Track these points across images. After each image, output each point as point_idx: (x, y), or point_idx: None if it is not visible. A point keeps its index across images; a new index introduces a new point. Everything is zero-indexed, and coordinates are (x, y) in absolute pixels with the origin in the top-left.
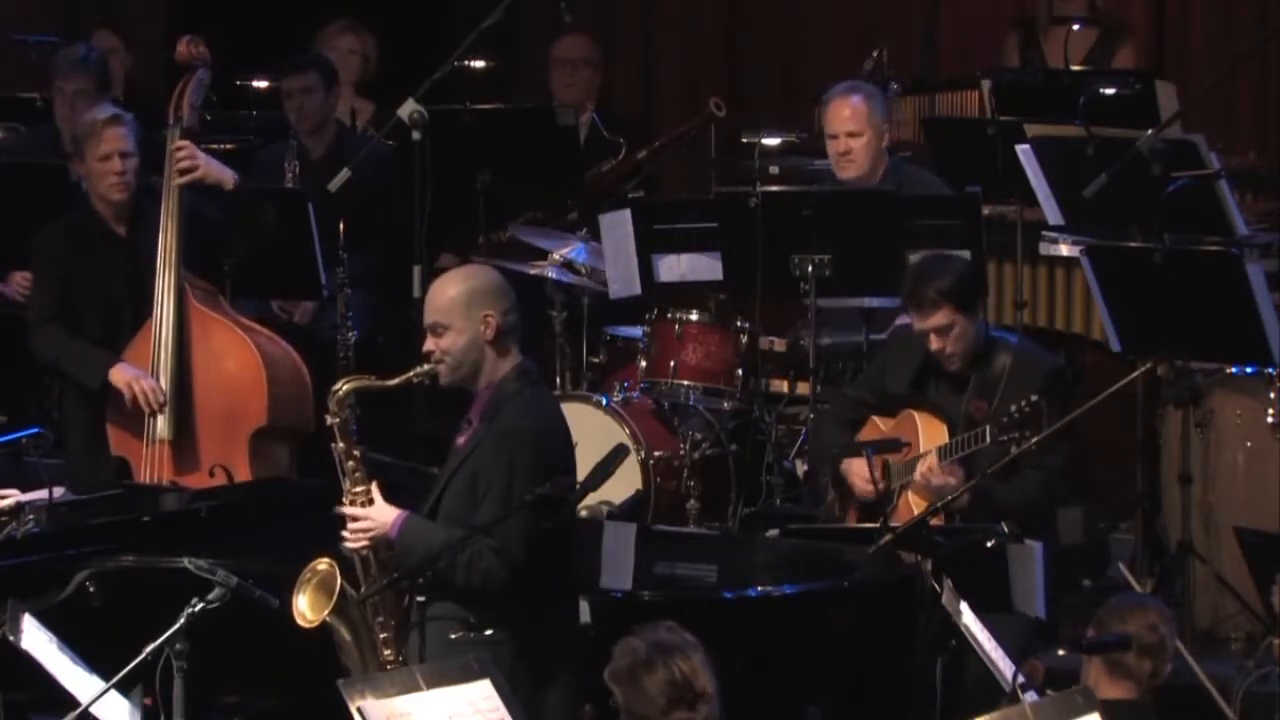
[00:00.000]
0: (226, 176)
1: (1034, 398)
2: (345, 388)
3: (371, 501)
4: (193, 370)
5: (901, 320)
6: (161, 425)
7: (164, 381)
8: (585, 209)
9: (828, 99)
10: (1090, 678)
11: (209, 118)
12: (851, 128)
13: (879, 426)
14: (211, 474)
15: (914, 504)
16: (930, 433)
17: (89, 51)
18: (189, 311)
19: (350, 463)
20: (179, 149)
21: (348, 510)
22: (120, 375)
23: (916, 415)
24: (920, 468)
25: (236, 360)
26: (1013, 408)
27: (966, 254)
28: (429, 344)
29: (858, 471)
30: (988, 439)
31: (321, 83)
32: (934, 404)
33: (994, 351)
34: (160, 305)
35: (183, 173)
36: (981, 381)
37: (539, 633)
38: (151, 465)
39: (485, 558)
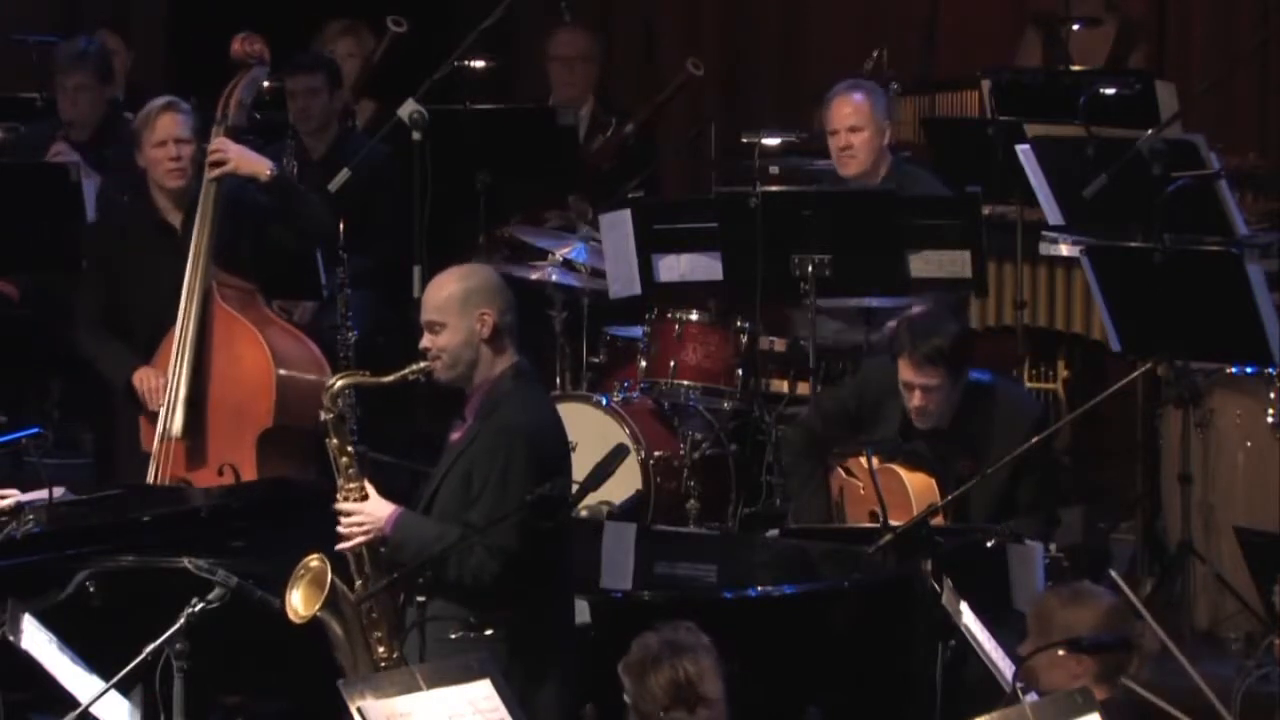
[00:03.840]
0: (262, 168)
1: None
2: (339, 384)
3: (366, 497)
4: (210, 370)
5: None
6: (174, 423)
7: (183, 380)
8: (585, 189)
9: (830, 96)
10: (1071, 677)
11: (259, 116)
12: (853, 123)
13: (856, 486)
14: (220, 473)
15: None
16: (920, 490)
17: (88, 44)
18: (214, 311)
19: (344, 459)
20: (214, 144)
21: (342, 506)
22: (136, 375)
23: (903, 474)
24: None
25: (249, 361)
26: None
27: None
28: (425, 341)
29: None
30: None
31: (327, 83)
32: (921, 456)
33: (975, 402)
34: (185, 304)
35: (215, 165)
36: (967, 436)
37: (535, 632)
38: (164, 462)
39: (476, 553)
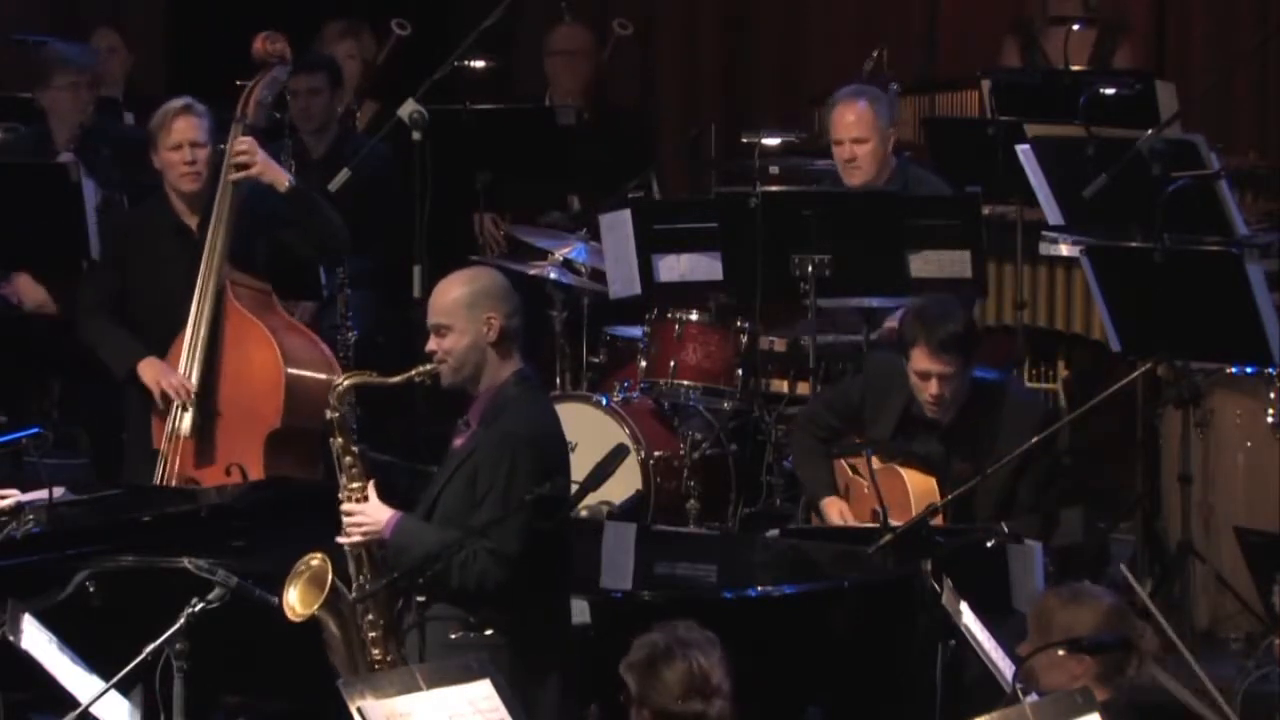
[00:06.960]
0: (282, 178)
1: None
2: (345, 383)
3: (367, 498)
4: (221, 369)
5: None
6: (183, 421)
7: (193, 378)
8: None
9: (833, 103)
10: (1071, 678)
11: (279, 115)
12: (857, 134)
13: (860, 484)
14: (228, 472)
15: None
16: (920, 491)
17: (75, 46)
18: (227, 311)
19: (347, 458)
20: (239, 144)
21: (344, 506)
22: (149, 372)
23: (904, 473)
24: None
25: (259, 361)
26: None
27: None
28: (431, 343)
29: (838, 513)
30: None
31: (328, 84)
32: (919, 456)
33: (981, 399)
34: (198, 303)
35: (238, 168)
36: (968, 435)
37: (535, 632)
38: (172, 460)
39: (481, 559)
